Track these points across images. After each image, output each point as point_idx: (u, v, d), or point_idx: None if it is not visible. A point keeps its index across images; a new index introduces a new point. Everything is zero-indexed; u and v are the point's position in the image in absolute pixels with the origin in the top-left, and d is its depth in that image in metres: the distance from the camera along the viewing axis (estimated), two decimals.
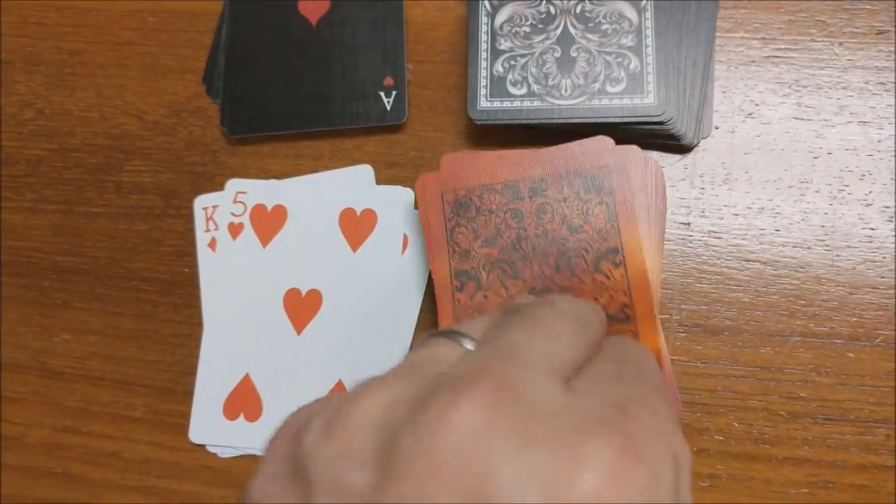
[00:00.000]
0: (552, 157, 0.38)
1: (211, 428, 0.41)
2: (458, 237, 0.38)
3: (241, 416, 0.41)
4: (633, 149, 0.37)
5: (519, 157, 0.38)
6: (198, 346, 0.42)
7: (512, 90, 0.40)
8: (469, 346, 0.25)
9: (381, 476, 0.19)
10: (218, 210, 0.43)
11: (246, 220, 0.42)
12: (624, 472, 0.20)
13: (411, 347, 0.28)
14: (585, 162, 0.38)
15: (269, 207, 0.42)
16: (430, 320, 0.40)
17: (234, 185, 0.43)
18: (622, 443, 0.20)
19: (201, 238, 0.43)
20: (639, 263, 0.36)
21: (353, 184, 0.42)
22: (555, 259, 0.37)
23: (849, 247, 0.39)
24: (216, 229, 0.43)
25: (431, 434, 0.19)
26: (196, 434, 0.41)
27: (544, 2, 0.41)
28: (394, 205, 0.42)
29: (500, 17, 0.41)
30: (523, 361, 0.22)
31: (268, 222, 0.42)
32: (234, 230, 0.42)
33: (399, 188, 0.42)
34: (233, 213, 0.42)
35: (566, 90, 0.40)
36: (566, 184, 0.38)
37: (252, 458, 0.41)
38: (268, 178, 0.43)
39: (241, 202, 0.43)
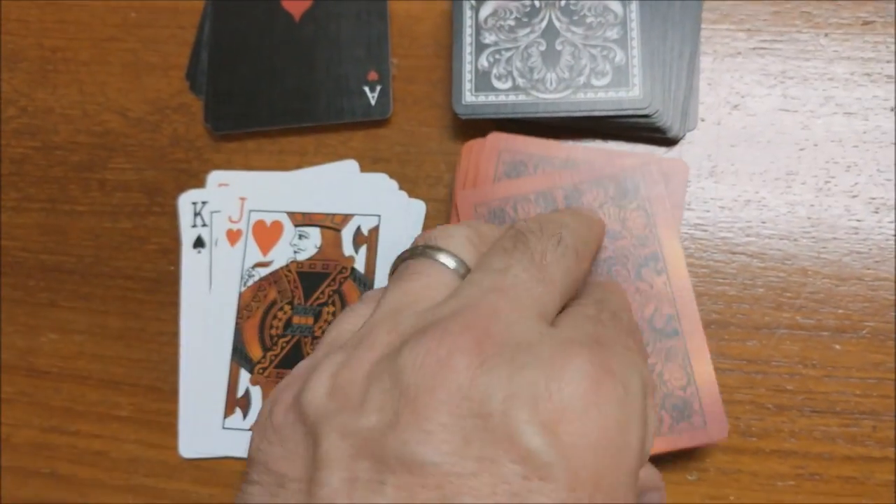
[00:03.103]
0: (586, 162, 0.38)
1: (201, 442, 0.41)
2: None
3: (234, 417, 0.41)
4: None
5: (584, 147, 0.38)
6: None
7: (497, 84, 0.40)
8: (451, 265, 0.27)
9: (390, 415, 0.22)
10: (206, 208, 0.42)
11: (244, 226, 0.42)
12: (601, 383, 0.22)
13: (394, 267, 0.29)
14: (617, 164, 0.37)
15: (269, 223, 0.42)
16: None
17: (216, 177, 0.43)
18: (600, 360, 0.23)
19: (186, 234, 0.42)
20: (680, 270, 0.36)
21: (339, 179, 0.42)
22: (596, 268, 0.37)
23: (835, 238, 0.39)
24: (203, 225, 0.42)
25: (431, 377, 0.22)
26: (186, 449, 0.41)
27: None
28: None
29: (485, 11, 0.41)
30: (514, 301, 0.24)
31: (267, 234, 0.42)
32: (233, 237, 0.42)
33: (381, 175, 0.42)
34: (231, 219, 0.42)
35: (551, 84, 0.39)
36: (601, 190, 0.37)
37: (240, 459, 0.41)
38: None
39: (236, 204, 0.42)
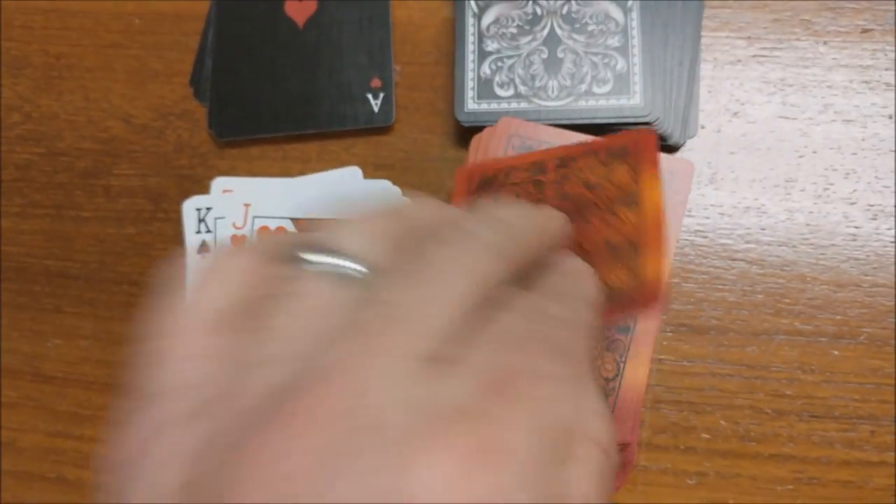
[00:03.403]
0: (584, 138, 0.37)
1: None
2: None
3: None
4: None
5: (594, 138, 0.37)
6: None
7: (499, 92, 0.40)
8: (353, 270, 0.20)
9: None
10: (210, 214, 0.43)
11: (248, 232, 0.42)
12: (466, 478, 0.16)
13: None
14: (615, 137, 0.37)
15: (272, 229, 0.42)
16: None
17: (220, 183, 0.43)
18: (470, 443, 0.17)
19: (190, 240, 0.43)
20: (655, 205, 0.33)
21: (342, 185, 0.43)
22: (569, 213, 0.35)
23: (833, 245, 0.39)
24: (207, 231, 0.43)
25: (261, 466, 0.16)
26: None
27: (531, 3, 0.41)
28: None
29: (487, 19, 0.41)
30: (386, 345, 0.18)
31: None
32: (237, 243, 0.42)
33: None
34: (235, 226, 0.42)
35: (553, 91, 0.40)
36: (593, 156, 0.37)
37: None
38: None
39: (240, 210, 0.43)
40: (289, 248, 0.20)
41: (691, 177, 0.38)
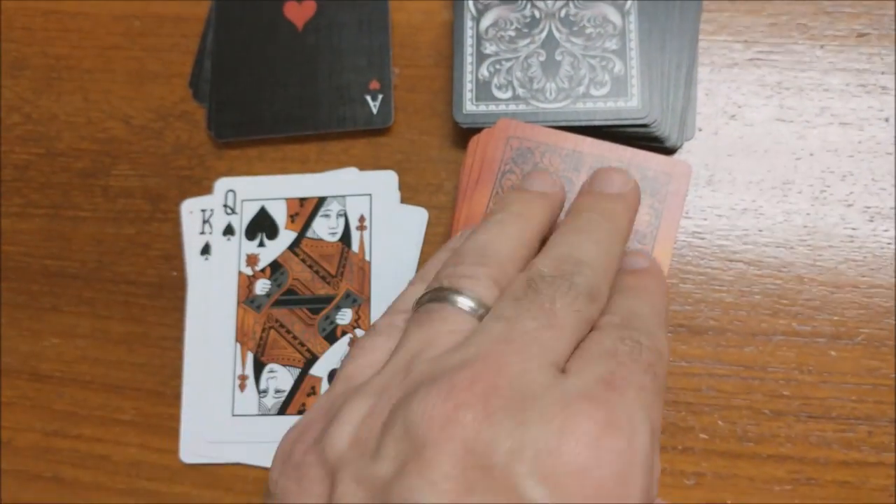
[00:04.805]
0: (621, 150, 0.38)
1: (202, 449, 0.41)
2: (505, 181, 0.38)
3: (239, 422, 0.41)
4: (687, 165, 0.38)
5: (591, 141, 0.38)
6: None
7: (497, 94, 0.40)
8: (469, 308, 0.27)
9: (400, 464, 0.23)
10: (214, 214, 0.43)
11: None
12: (603, 439, 0.23)
13: (414, 309, 0.29)
14: (652, 162, 0.37)
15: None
16: None
17: (223, 184, 0.43)
18: (604, 415, 0.23)
19: (190, 242, 0.43)
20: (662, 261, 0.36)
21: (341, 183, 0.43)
22: None
23: (830, 247, 0.39)
24: (210, 233, 0.43)
25: (439, 429, 0.22)
26: (187, 455, 0.41)
27: (529, 6, 0.41)
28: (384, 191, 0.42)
29: (486, 21, 0.41)
30: (522, 352, 0.25)
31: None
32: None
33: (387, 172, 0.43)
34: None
35: (551, 94, 0.40)
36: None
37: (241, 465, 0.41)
38: None
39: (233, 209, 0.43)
40: (437, 293, 0.28)
41: (689, 179, 0.38)
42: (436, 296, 0.28)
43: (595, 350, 0.26)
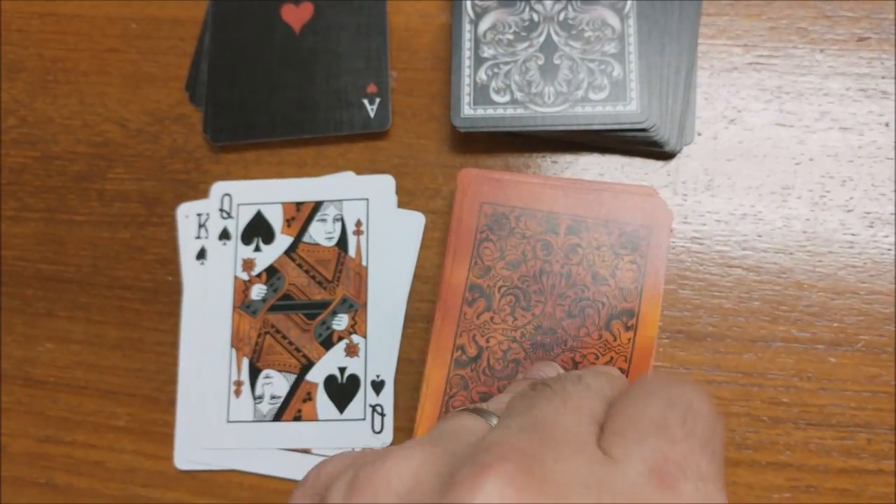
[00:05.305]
0: (598, 199, 0.38)
1: (196, 455, 0.41)
2: (483, 251, 0.38)
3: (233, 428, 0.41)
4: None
5: (564, 189, 0.38)
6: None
7: (495, 98, 0.40)
8: (493, 420, 0.25)
9: None
10: (210, 219, 0.43)
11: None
12: None
13: (440, 420, 0.29)
14: (629, 215, 0.38)
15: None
16: (422, 329, 0.40)
17: (219, 188, 0.43)
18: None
19: (186, 246, 0.43)
20: (649, 332, 0.37)
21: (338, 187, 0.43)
22: (570, 304, 0.37)
23: (830, 252, 0.39)
24: (206, 237, 0.42)
25: None
26: (181, 462, 0.41)
27: (527, 9, 0.41)
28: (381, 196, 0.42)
29: (484, 25, 0.41)
30: (551, 438, 0.22)
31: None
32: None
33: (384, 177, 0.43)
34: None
35: (549, 98, 0.40)
36: (605, 231, 0.38)
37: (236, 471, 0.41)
38: None
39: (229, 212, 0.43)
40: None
41: (670, 227, 0.38)
42: (462, 409, 0.27)
43: (642, 419, 0.23)
